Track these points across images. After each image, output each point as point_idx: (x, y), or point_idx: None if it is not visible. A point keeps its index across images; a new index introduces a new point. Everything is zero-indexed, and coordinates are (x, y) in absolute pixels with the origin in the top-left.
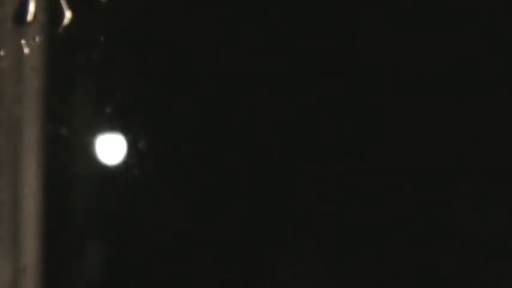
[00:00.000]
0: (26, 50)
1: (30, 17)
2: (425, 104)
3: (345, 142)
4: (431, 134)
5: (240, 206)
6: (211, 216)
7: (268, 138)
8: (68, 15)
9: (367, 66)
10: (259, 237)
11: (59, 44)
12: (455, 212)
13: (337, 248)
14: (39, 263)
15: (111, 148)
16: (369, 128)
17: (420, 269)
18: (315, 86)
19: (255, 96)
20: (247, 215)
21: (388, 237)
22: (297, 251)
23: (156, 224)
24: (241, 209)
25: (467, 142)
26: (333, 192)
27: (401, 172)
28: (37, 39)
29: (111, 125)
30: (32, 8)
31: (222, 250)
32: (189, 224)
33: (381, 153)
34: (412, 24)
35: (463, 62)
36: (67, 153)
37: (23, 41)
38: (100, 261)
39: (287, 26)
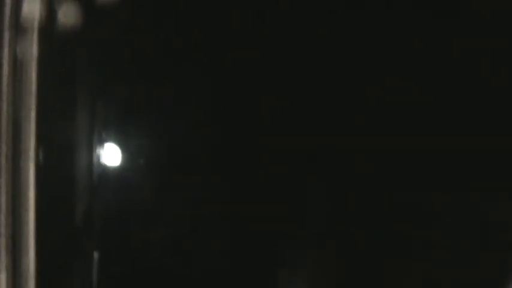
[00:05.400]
0: (24, 53)
1: (27, 18)
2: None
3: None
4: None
5: (240, 207)
6: (212, 220)
7: (271, 139)
8: (67, 17)
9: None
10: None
11: (57, 46)
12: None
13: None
14: (37, 268)
15: (109, 150)
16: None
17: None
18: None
19: (256, 97)
20: (247, 217)
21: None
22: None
23: (156, 227)
24: (241, 211)
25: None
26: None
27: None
28: (35, 41)
29: (110, 127)
30: (27, 10)
31: (223, 251)
32: (189, 227)
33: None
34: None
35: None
36: (65, 157)
37: (21, 43)
38: (97, 265)
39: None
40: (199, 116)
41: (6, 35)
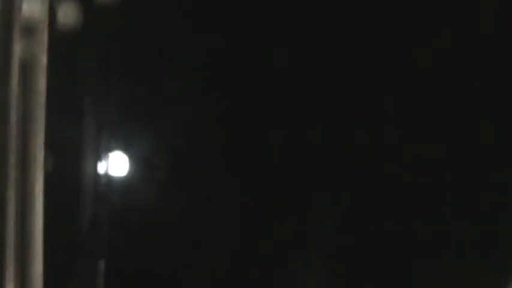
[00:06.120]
0: (32, 53)
1: (27, 20)
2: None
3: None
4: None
5: (245, 209)
6: (218, 226)
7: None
8: (72, 17)
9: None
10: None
11: (64, 46)
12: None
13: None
14: (44, 278)
15: (117, 156)
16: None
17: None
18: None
19: (260, 98)
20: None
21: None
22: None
23: (163, 232)
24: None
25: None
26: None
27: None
28: (43, 41)
29: (119, 131)
30: (27, 11)
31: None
32: (193, 232)
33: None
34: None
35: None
36: (73, 162)
37: (28, 44)
38: (104, 273)
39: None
40: (206, 117)
41: (16, 46)
